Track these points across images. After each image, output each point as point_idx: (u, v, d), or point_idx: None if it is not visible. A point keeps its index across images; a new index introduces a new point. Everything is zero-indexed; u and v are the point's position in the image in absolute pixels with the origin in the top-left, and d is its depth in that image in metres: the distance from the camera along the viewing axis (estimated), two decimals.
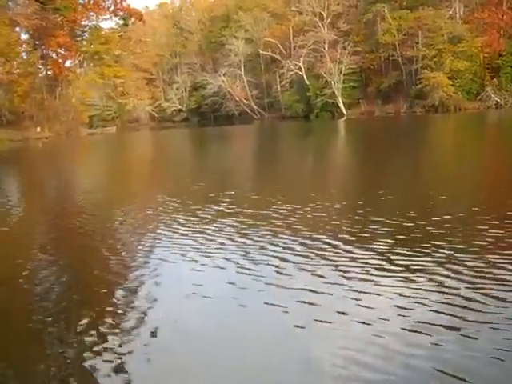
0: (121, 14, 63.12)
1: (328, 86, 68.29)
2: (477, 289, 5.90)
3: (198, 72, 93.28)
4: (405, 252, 7.38)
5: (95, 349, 5.11)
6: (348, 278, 6.52)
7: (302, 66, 71.61)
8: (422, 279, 6.29)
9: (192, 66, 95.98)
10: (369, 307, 5.61)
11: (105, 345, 5.18)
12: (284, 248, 8.06)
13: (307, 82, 71.17)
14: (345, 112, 68.22)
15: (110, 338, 5.33)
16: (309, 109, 71.38)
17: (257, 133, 55.00)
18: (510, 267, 6.50)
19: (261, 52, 79.07)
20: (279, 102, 77.50)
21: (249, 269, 7.18)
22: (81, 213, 12.83)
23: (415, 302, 5.64)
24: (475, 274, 6.37)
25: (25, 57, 63.85)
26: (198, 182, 16.62)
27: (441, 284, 6.11)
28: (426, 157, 20.47)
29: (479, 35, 59.59)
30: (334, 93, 68.03)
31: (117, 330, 5.53)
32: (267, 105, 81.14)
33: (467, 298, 5.66)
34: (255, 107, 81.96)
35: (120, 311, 6.09)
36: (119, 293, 6.72)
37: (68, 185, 20.78)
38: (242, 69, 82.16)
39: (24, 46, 62.33)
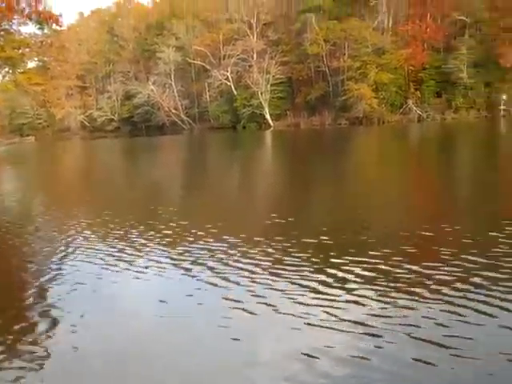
0: (35, 17, 59.70)
1: (255, 97, 66.53)
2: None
3: (131, 81, 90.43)
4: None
5: None
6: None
7: (229, 76, 69.69)
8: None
9: (125, 75, 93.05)
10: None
11: None
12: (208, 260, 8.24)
13: (235, 93, 69.31)
14: (271, 123, 66.56)
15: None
16: (236, 119, 69.55)
17: (182, 145, 53.12)
18: None
19: (190, 61, 76.87)
20: (208, 112, 75.37)
21: (172, 278, 7.47)
22: None
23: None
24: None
25: None
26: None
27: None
28: (344, 174, 20.08)
29: (403, 47, 58.72)
30: (261, 103, 66.25)
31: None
32: (197, 115, 78.80)
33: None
34: (185, 117, 79.59)
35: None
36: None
37: None
38: (172, 78, 79.69)
39: None
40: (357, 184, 16.81)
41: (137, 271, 7.81)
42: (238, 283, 6.91)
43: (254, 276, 7.16)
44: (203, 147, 46.31)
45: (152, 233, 10.39)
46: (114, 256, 8.72)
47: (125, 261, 8.37)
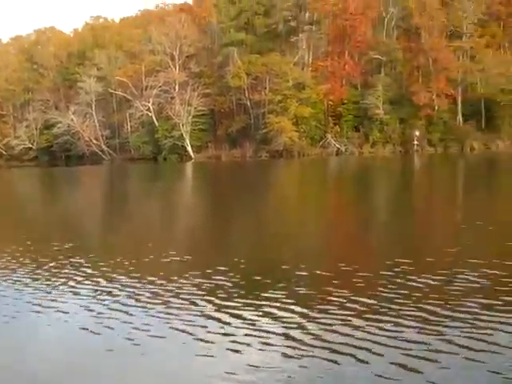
0: None
1: (176, 128, 66.26)
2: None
3: (51, 109, 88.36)
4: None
5: None
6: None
7: (151, 107, 69.22)
8: None
9: (45, 103, 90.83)
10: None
11: None
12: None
13: (156, 124, 68.86)
14: (192, 155, 66.40)
15: None
16: (157, 151, 68.99)
17: (101, 176, 52.28)
18: None
19: (111, 91, 75.96)
20: (129, 143, 74.40)
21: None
22: None
23: None
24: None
25: None
26: None
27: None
28: (258, 209, 19.96)
29: (323, 83, 60.11)
30: (182, 135, 65.99)
31: None
32: (118, 145, 77.63)
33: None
34: (105, 148, 78.25)
35: None
36: None
37: None
38: (93, 108, 78.43)
39: None
40: (268, 220, 16.73)
41: (18, 311, 7.32)
42: (112, 328, 6.55)
43: (135, 320, 6.81)
44: (122, 178, 45.56)
45: (41, 272, 9.85)
46: None
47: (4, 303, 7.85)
